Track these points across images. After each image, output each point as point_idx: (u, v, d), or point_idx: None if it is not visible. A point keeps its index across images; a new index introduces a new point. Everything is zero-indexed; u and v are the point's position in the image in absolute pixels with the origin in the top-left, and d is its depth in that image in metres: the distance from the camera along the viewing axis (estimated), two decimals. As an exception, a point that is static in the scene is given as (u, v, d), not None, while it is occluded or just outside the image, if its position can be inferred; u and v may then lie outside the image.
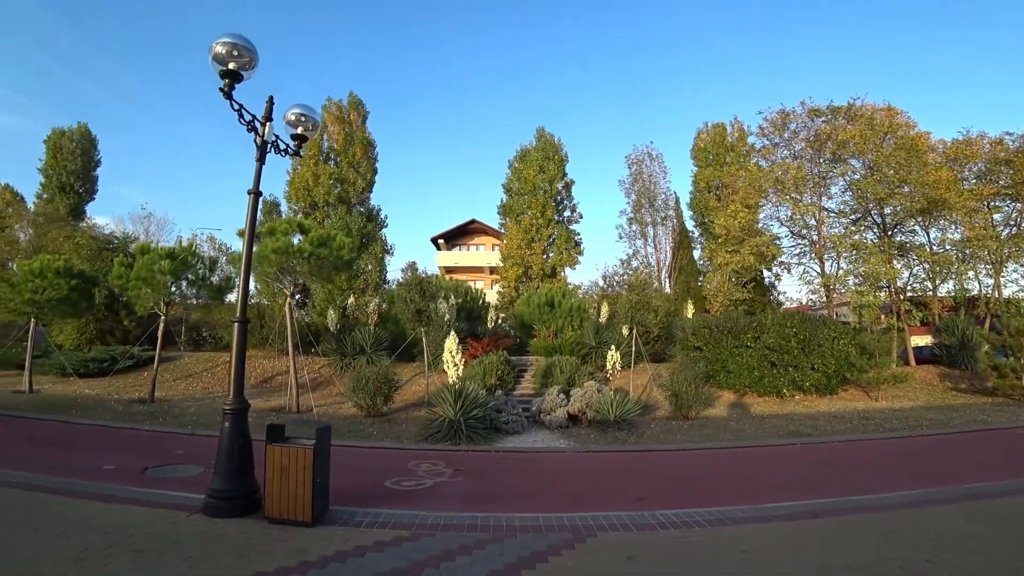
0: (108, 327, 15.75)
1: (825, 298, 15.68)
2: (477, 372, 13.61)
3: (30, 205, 22.79)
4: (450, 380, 10.24)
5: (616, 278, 19.55)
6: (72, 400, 11.19)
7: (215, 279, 13.33)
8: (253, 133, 5.68)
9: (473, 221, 39.06)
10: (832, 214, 15.80)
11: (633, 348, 13.37)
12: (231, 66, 5.15)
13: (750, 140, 18.05)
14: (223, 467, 5.05)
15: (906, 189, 13.71)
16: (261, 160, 5.78)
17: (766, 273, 19.62)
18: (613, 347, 11.80)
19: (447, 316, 15.91)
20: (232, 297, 18.50)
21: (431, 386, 12.83)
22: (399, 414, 11.81)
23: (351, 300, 17.86)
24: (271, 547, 4.22)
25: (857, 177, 14.73)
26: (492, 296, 30.19)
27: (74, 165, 23.43)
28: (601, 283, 20.25)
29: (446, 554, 4.19)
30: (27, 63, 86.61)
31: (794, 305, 18.36)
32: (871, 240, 15.05)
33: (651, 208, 24.40)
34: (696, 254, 22.58)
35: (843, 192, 15.52)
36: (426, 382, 13.48)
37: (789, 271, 17.41)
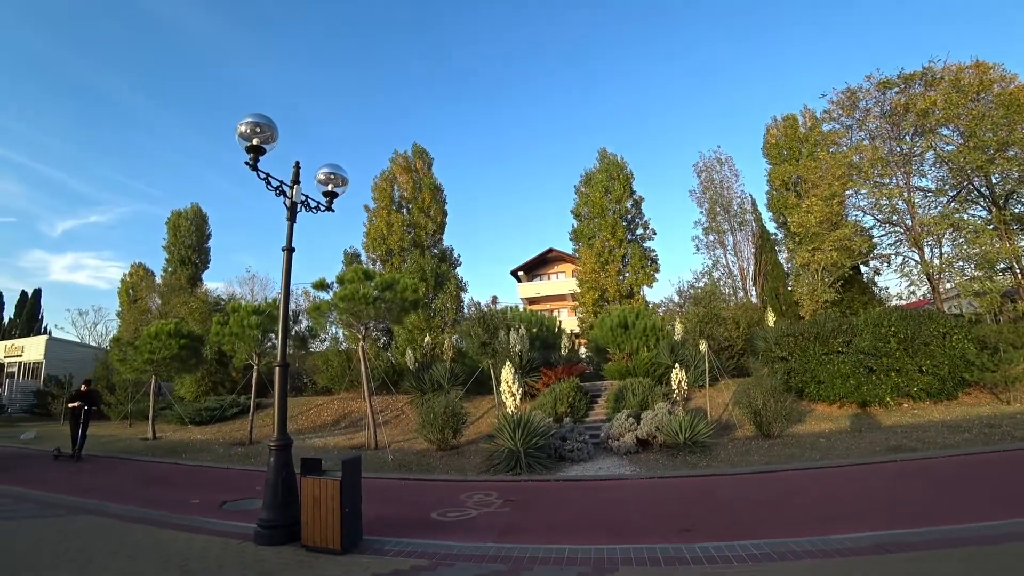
0: (219, 379, 17.88)
1: (931, 290, 13.61)
2: (548, 401, 13.50)
3: (159, 278, 26.96)
4: (508, 410, 10.26)
5: (691, 291, 18.58)
6: (185, 445, 12.78)
7: (300, 329, 14.63)
8: (282, 196, 6.35)
9: (551, 250, 39.49)
10: (928, 194, 13.81)
11: (707, 364, 12.55)
12: (255, 142, 5.84)
13: (824, 128, 16.54)
14: (269, 499, 5.49)
15: (1011, 152, 11.63)
16: (291, 219, 6.39)
17: (863, 269, 17.59)
18: (678, 365, 11.18)
19: (518, 347, 16.05)
20: (323, 345, 20.27)
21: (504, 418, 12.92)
22: (469, 446, 11.96)
23: (427, 339, 18.64)
24: (298, 572, 4.51)
25: (950, 148, 12.80)
26: (572, 323, 30.02)
27: (190, 240, 27.28)
28: (676, 298, 19.38)
29: (455, 584, 4.21)
30: (150, 156, 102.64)
31: (903, 302, 16.17)
32: (978, 217, 12.89)
33: (726, 214, 23.10)
34: (782, 257, 20.87)
35: (937, 167, 13.54)
36: (498, 414, 13.59)
37: (889, 264, 15.45)
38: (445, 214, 25.89)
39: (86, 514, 6.74)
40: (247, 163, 5.85)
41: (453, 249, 25.59)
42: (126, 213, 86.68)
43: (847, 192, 15.21)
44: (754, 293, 21.67)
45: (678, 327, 14.84)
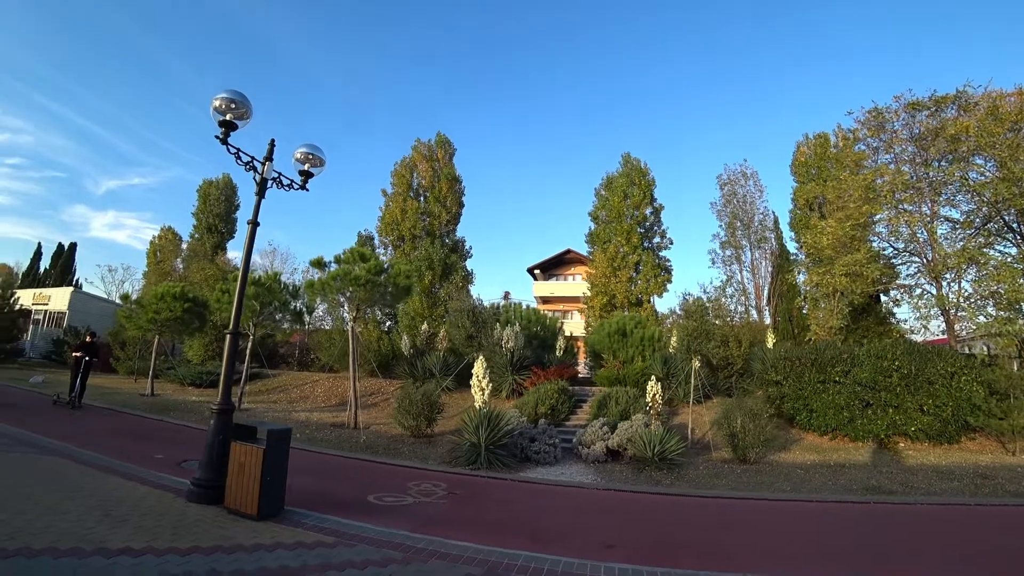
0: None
1: (946, 325, 12.82)
2: (531, 400, 13.46)
3: (185, 243, 28.10)
4: (476, 405, 10.20)
5: (696, 303, 18.10)
6: (177, 404, 13.32)
7: (299, 305, 15.00)
8: (252, 172, 6.50)
9: (569, 251, 39.26)
10: (956, 225, 12.96)
11: (693, 381, 12.23)
12: (228, 117, 5.98)
13: (855, 148, 15.79)
14: (204, 459, 5.66)
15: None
16: (260, 195, 6.52)
17: (883, 298, 16.75)
18: (654, 378, 10.93)
19: (510, 343, 16.02)
20: (325, 324, 20.73)
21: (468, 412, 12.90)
22: (443, 436, 11.93)
23: (424, 327, 18.79)
24: (207, 531, 4.65)
25: (982, 179, 11.95)
26: (579, 326, 29.73)
27: (218, 209, 28.28)
28: (678, 311, 18.92)
29: (344, 564, 4.24)
30: (195, 124, 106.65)
31: (920, 338, 15.32)
32: (1006, 254, 11.96)
33: (747, 230, 22.38)
34: (800, 279, 20.14)
35: (966, 198, 12.60)
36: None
37: (910, 295, 14.64)
38: (461, 205, 26.02)
39: (54, 455, 7.13)
40: (217, 137, 5.99)
41: (465, 240, 25.75)
42: (167, 177, 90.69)
43: (872, 217, 14.49)
44: (767, 312, 21.01)
45: (673, 340, 14.51)
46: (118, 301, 27.03)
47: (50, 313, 24.90)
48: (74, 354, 11.86)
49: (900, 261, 14.43)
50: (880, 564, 5.08)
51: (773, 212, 21.93)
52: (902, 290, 14.95)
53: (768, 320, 20.55)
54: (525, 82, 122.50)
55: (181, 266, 24.42)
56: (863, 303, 15.57)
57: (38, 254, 39.93)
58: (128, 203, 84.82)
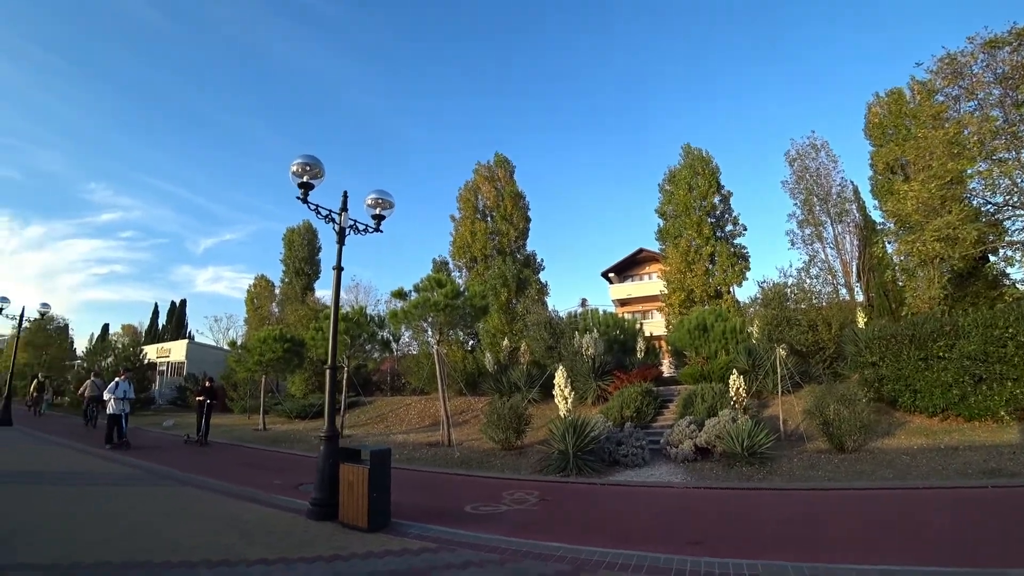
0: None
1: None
2: (616, 404, 13.54)
3: (277, 288, 30.90)
4: (561, 414, 10.46)
5: (773, 290, 17.23)
6: (287, 435, 14.75)
7: (385, 334, 16.11)
8: (331, 223, 7.31)
9: (641, 250, 38.52)
10: None
11: (779, 370, 11.76)
12: (305, 179, 6.83)
13: (935, 100, 14.43)
14: (318, 481, 6.42)
15: None
16: (341, 242, 7.32)
17: (992, 259, 15.04)
18: (735, 371, 10.66)
19: (591, 350, 16.17)
20: (412, 349, 21.90)
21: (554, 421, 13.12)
22: (532, 447, 12.22)
23: (505, 342, 19.34)
24: (326, 542, 5.32)
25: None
26: (660, 325, 29.09)
27: (303, 253, 30.90)
28: (760, 299, 18.07)
29: (447, 566, 4.72)
30: (272, 180, 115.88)
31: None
32: None
33: (825, 205, 20.98)
34: (890, 249, 18.60)
35: None
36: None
37: (1023, 251, 13.07)
38: (528, 220, 26.52)
39: (191, 486, 8.31)
40: (298, 198, 6.81)
41: (536, 254, 26.21)
42: (255, 230, 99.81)
43: (963, 172, 13.21)
44: (859, 289, 19.54)
45: (755, 330, 13.99)
46: (226, 347, 30.37)
47: (171, 364, 28.57)
48: (197, 398, 13.60)
49: (1004, 216, 13.00)
50: (995, 552, 4.78)
51: (852, 182, 20.44)
52: (1012, 248, 13.45)
53: (860, 297, 19.15)
54: (578, 86, 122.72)
55: (276, 310, 27.03)
56: (966, 267, 14.16)
57: (155, 313, 45.64)
58: (223, 258, 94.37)
